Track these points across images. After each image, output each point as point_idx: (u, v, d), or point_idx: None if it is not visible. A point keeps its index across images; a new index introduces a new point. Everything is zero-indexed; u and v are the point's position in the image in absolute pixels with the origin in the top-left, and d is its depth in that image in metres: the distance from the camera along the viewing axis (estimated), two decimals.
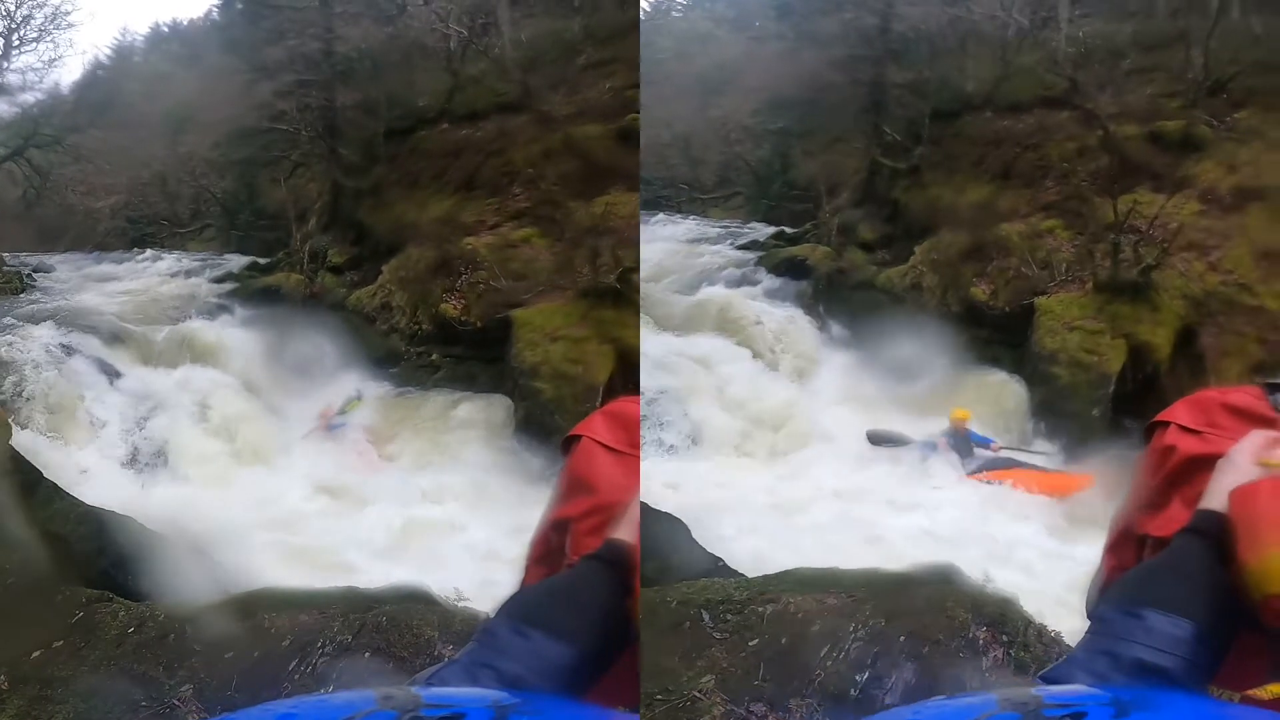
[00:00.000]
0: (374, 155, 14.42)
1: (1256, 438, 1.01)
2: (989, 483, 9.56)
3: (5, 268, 14.27)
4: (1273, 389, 1.11)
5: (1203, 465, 1.05)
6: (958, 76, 15.01)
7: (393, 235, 13.42)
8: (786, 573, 5.89)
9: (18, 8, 16.22)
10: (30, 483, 7.14)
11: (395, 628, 5.19)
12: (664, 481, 9.45)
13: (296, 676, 4.84)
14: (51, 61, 17.21)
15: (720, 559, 6.61)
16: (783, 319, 13.37)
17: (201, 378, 11.27)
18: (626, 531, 1.05)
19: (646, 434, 10.42)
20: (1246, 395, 1.12)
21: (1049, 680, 0.85)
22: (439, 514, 9.43)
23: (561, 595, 0.98)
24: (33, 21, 16.37)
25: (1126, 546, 1.16)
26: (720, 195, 20.00)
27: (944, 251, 13.09)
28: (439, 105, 14.30)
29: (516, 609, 0.95)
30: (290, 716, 0.70)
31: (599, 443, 1.23)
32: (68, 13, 16.77)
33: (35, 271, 15.07)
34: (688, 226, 17.75)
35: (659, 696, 4.59)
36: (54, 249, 17.84)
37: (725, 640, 5.07)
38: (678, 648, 4.96)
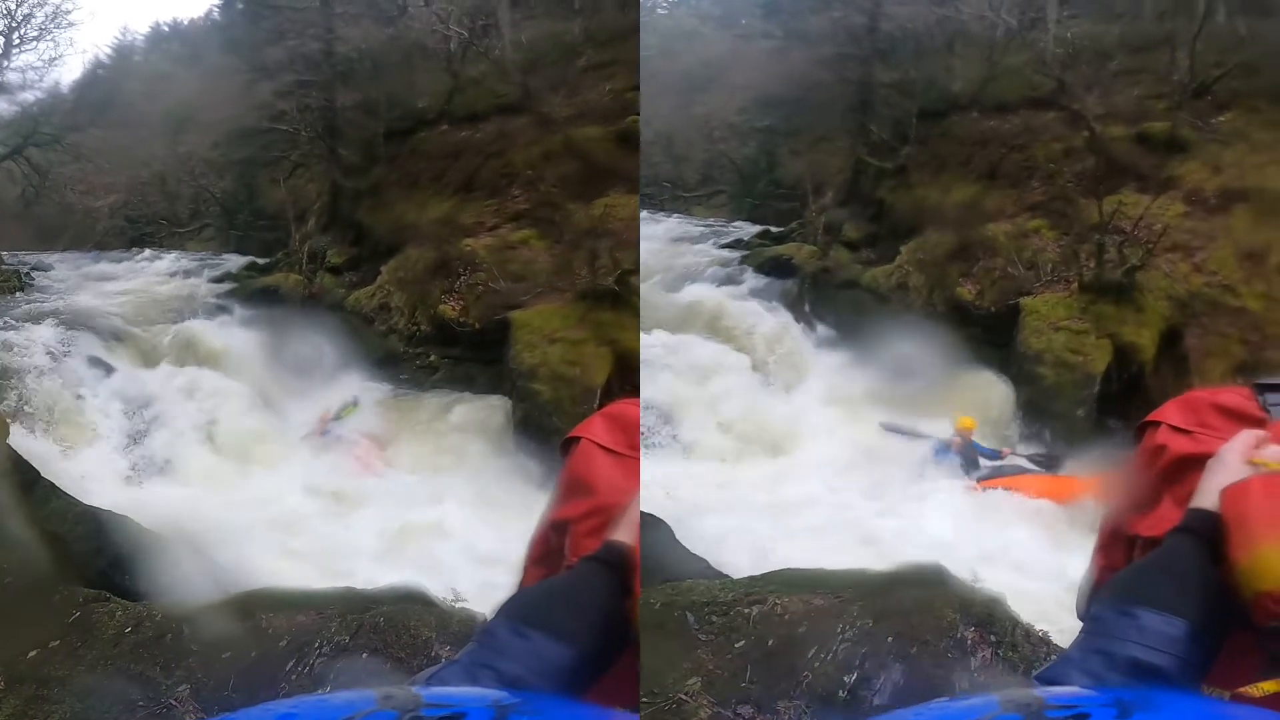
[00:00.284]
0: (374, 156, 14.42)
1: (1246, 437, 1.02)
2: (996, 489, 9.51)
3: (4, 266, 14.26)
4: (1262, 389, 1.12)
5: (1193, 465, 1.05)
6: (945, 76, 15.02)
7: (392, 236, 13.43)
8: (773, 574, 5.85)
9: (18, 6, 16.23)
10: (28, 482, 7.13)
11: (392, 628, 5.18)
12: (646, 481, 9.39)
13: (294, 677, 4.84)
14: (52, 60, 17.23)
15: (705, 560, 6.58)
16: (769, 318, 13.36)
17: (200, 378, 11.27)
18: (626, 533, 1.06)
19: None
20: (1236, 395, 1.13)
21: (1044, 680, 0.86)
22: (436, 515, 9.42)
23: (561, 596, 0.99)
24: (33, 20, 16.38)
25: (1116, 546, 1.17)
26: (704, 193, 19.98)
27: (930, 251, 13.08)
28: (439, 106, 14.31)
29: (516, 610, 0.95)
30: (290, 716, 0.70)
31: (598, 444, 1.23)
32: (68, 11, 16.79)
33: (34, 270, 15.06)
34: (670, 225, 17.71)
35: (644, 699, 4.57)
36: (53, 248, 17.84)
37: (711, 642, 5.04)
38: (663, 650, 4.94)
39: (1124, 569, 1.03)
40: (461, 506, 9.48)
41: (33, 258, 16.07)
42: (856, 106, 15.63)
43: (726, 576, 6.16)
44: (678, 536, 6.72)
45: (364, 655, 4.99)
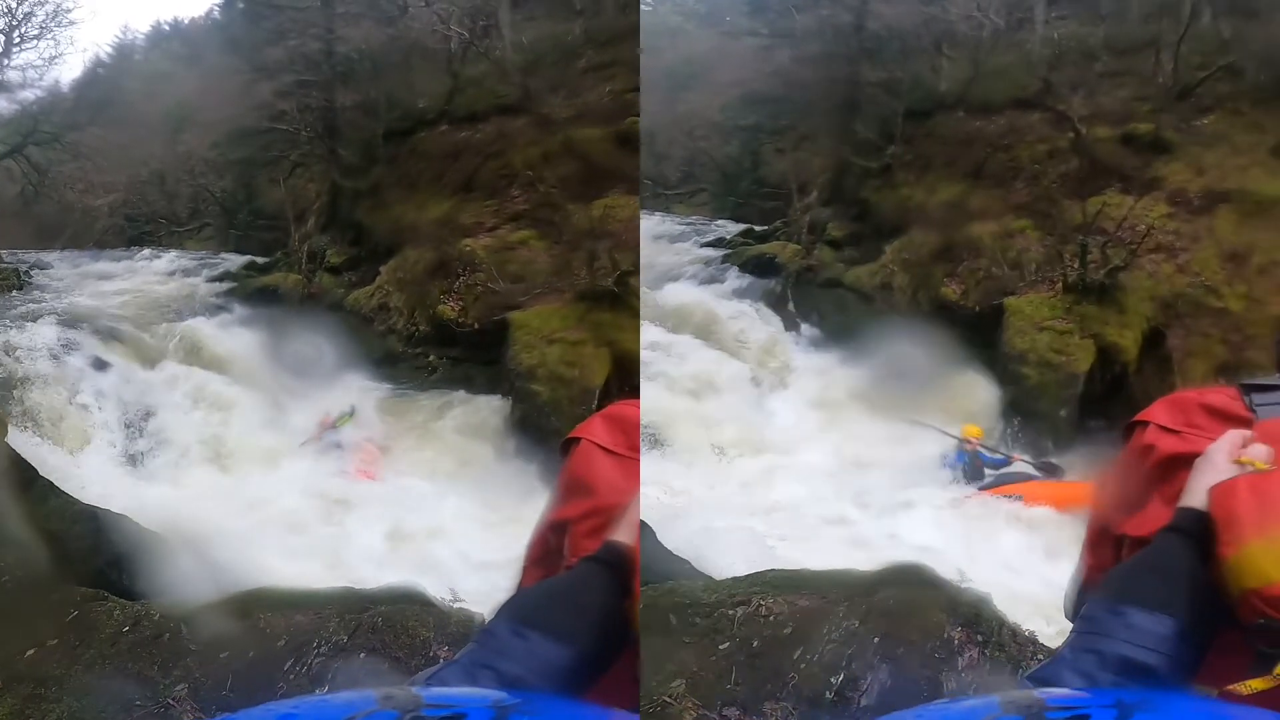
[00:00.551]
0: (373, 156, 14.42)
1: (1233, 436, 1.03)
2: (1003, 497, 9.37)
3: (3, 265, 14.25)
4: (1248, 390, 1.13)
5: (1181, 464, 1.06)
6: (931, 76, 15.02)
7: (391, 236, 13.43)
8: (758, 575, 5.79)
9: (19, 5, 16.23)
10: (26, 480, 7.13)
11: (391, 628, 5.18)
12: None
13: (292, 677, 4.83)
14: (52, 59, 17.22)
15: (688, 561, 6.53)
16: (753, 316, 13.37)
17: (198, 377, 11.26)
18: (625, 534, 1.06)
19: None
20: (1223, 396, 1.14)
21: (1037, 680, 0.87)
22: (434, 515, 9.42)
23: (561, 597, 0.99)
24: (34, 19, 16.38)
25: (1104, 546, 1.17)
26: (684, 191, 19.89)
27: (915, 251, 13.07)
28: (439, 107, 14.31)
29: (516, 610, 0.95)
30: (291, 717, 0.70)
31: (598, 445, 1.24)
32: (69, 10, 16.81)
33: (33, 269, 15.04)
34: (651, 223, 17.61)
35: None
36: (52, 246, 17.82)
37: (694, 644, 4.98)
38: (646, 652, 4.90)
39: (1114, 568, 1.04)
40: (459, 506, 9.48)
41: (32, 256, 16.05)
42: (842, 105, 15.57)
43: (710, 578, 6.12)
44: (660, 539, 6.66)
45: (362, 655, 4.98)
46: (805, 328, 13.50)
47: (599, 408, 1.34)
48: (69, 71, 21.17)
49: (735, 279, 14.60)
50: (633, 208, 11.91)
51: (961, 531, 8.69)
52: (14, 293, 13.40)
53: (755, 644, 4.97)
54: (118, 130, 19.53)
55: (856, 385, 11.71)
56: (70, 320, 11.60)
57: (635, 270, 11.13)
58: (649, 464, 10.09)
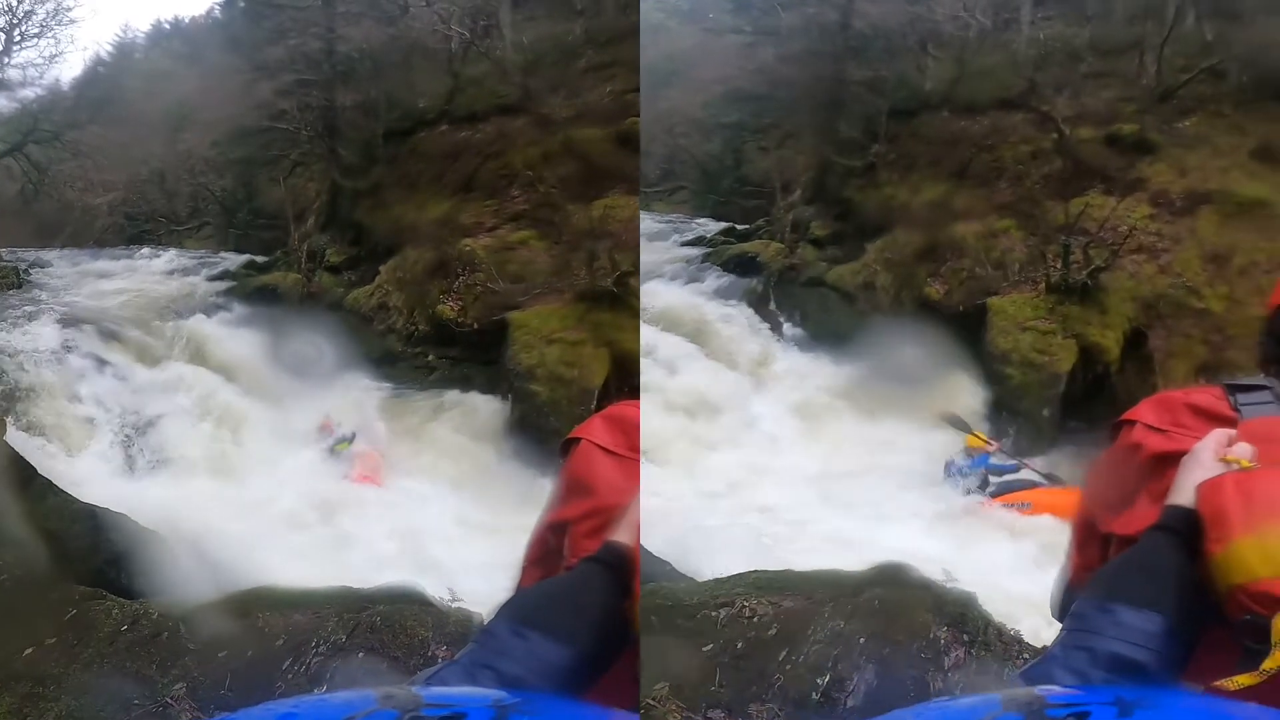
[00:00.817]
0: (373, 156, 14.43)
1: (1219, 435, 1.05)
2: (1010, 504, 9.10)
3: (2, 263, 14.24)
4: (1232, 390, 1.16)
5: (1168, 462, 1.08)
6: (916, 75, 14.99)
7: (391, 236, 13.43)
8: (740, 576, 5.72)
9: (19, 3, 16.23)
10: (24, 478, 7.12)
11: (389, 628, 5.18)
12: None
13: (290, 676, 4.83)
14: (52, 57, 17.22)
15: (668, 563, 6.49)
16: (731, 312, 13.32)
17: (198, 376, 11.26)
18: (626, 534, 1.06)
19: None
20: (1209, 395, 1.17)
21: (1028, 678, 0.88)
22: (432, 514, 9.42)
23: (561, 597, 0.99)
24: (34, 17, 16.38)
25: (1092, 545, 1.19)
26: (664, 189, 19.81)
27: (898, 250, 13.05)
28: (439, 106, 14.32)
29: (516, 610, 0.95)
30: (290, 716, 0.71)
31: (598, 445, 1.24)
32: (69, 9, 16.81)
33: (32, 267, 15.03)
34: None
35: None
36: (51, 244, 17.83)
37: (678, 646, 4.94)
38: None
39: (1103, 567, 1.05)
40: (457, 506, 9.47)
41: (31, 254, 16.04)
42: (827, 104, 15.52)
43: (692, 580, 6.06)
44: (640, 540, 6.56)
45: (361, 654, 4.98)
46: (788, 327, 13.46)
47: (598, 408, 1.34)
48: (69, 70, 21.20)
49: (716, 278, 14.54)
50: (632, 208, 11.92)
51: (959, 538, 8.58)
52: (13, 291, 13.39)
53: (740, 645, 4.91)
54: (118, 129, 19.54)
55: (840, 385, 11.67)
56: (69, 319, 11.60)
57: (635, 270, 11.13)
58: None
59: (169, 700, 4.66)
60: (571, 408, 10.08)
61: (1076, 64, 14.27)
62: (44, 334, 11.01)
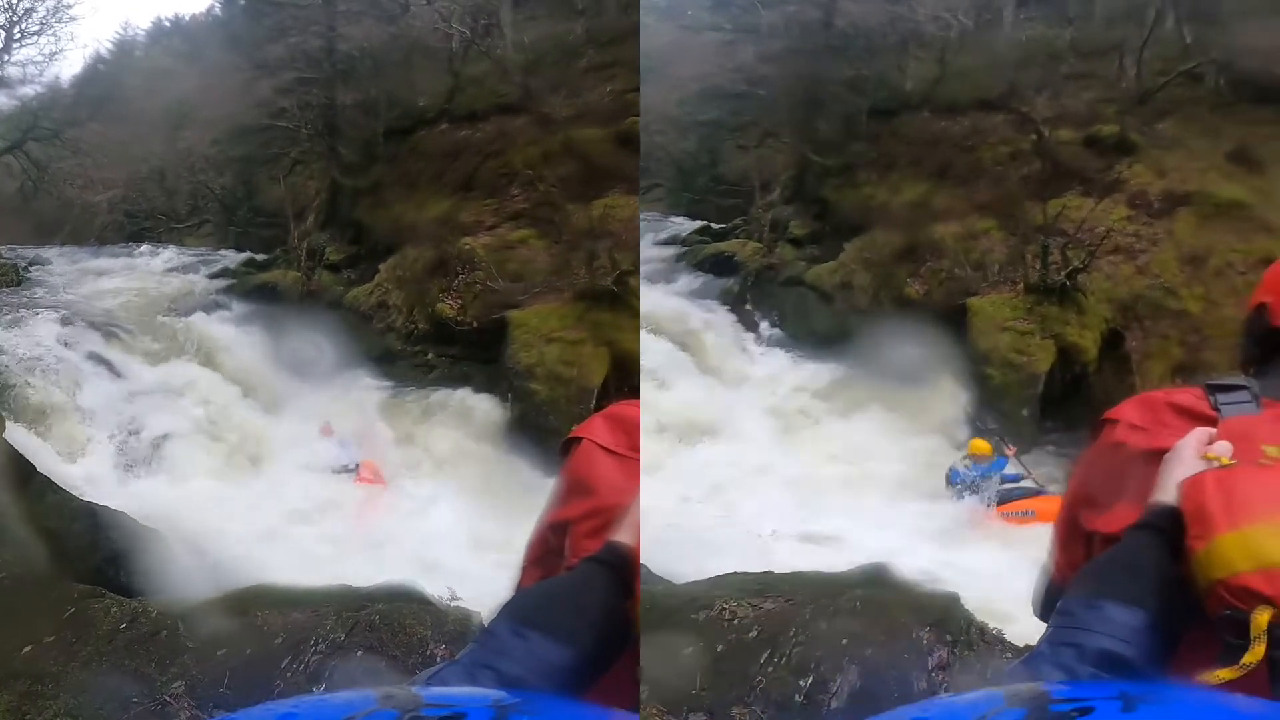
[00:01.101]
0: (373, 154, 14.43)
1: (1200, 434, 1.07)
2: (1017, 513, 8.86)
3: (2, 260, 14.23)
4: (1212, 390, 1.18)
5: (1151, 460, 1.10)
6: (897, 75, 14.96)
7: (390, 234, 13.43)
8: (720, 578, 5.66)
9: (19, 1, 16.21)
10: (23, 477, 7.12)
11: (388, 626, 5.17)
12: None
13: (289, 674, 4.82)
14: (52, 55, 17.22)
15: (646, 566, 6.42)
16: (713, 318, 13.23)
17: (197, 373, 11.25)
18: (627, 534, 1.06)
19: None
20: (1190, 395, 1.19)
21: (1015, 675, 0.88)
22: (431, 513, 9.42)
23: (562, 597, 0.99)
24: (34, 15, 16.38)
25: (1075, 543, 1.20)
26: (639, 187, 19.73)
27: (877, 250, 13.02)
28: (439, 105, 14.31)
29: (517, 610, 0.95)
30: (290, 716, 0.70)
31: (599, 445, 1.23)
32: (69, 6, 16.81)
33: (32, 265, 15.02)
34: None
35: None
36: (51, 242, 17.82)
37: (658, 649, 4.87)
38: None
39: (1088, 564, 1.06)
40: (455, 504, 9.47)
41: (31, 252, 16.04)
42: (806, 102, 15.44)
43: (670, 582, 5.99)
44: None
45: (359, 653, 4.98)
46: (765, 327, 13.39)
47: (597, 407, 1.34)
48: (69, 67, 21.22)
49: (690, 278, 14.42)
50: (632, 208, 11.92)
51: (964, 547, 8.38)
52: (12, 288, 13.38)
53: (720, 648, 4.87)
54: (118, 126, 19.54)
55: (820, 385, 11.61)
56: (69, 316, 11.58)
57: (635, 270, 11.13)
58: None
59: (168, 698, 4.66)
60: (570, 407, 10.08)
61: (1057, 65, 14.33)
62: (43, 331, 10.99)
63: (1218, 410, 1.14)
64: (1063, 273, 11.18)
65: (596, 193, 11.61)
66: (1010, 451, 9.59)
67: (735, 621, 5.01)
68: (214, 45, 21.11)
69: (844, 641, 4.76)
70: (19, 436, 8.68)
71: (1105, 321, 11.16)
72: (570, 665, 0.90)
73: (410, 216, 13.31)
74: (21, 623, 5.25)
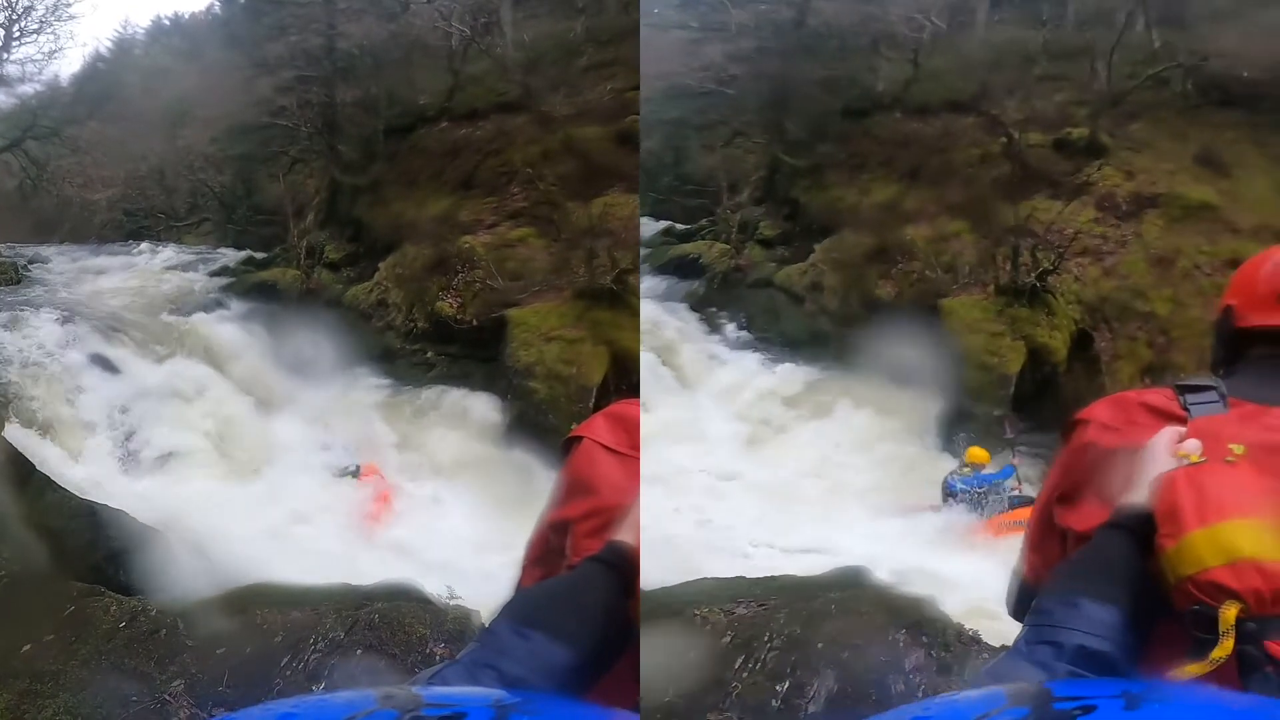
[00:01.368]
0: (373, 152, 14.41)
1: (1170, 433, 1.11)
2: (1008, 524, 8.23)
3: (1, 259, 14.22)
4: (1182, 390, 1.23)
5: (1121, 459, 1.13)
6: (869, 76, 14.87)
7: (390, 232, 13.42)
8: (689, 584, 5.56)
9: None
10: (23, 475, 7.12)
11: (387, 625, 5.17)
12: None
13: (289, 673, 4.82)
14: (51, 53, 17.18)
15: None
16: (676, 320, 13.04)
17: (196, 372, 11.23)
18: (628, 534, 1.05)
19: None
20: (1161, 395, 1.23)
21: (993, 674, 0.90)
22: (429, 511, 9.41)
23: (563, 597, 0.99)
24: (34, 13, 16.35)
25: (1050, 542, 1.23)
26: None
27: (848, 251, 12.93)
28: (439, 104, 14.31)
29: (518, 610, 0.95)
30: (291, 716, 0.70)
31: (600, 444, 1.23)
32: (69, 4, 16.76)
33: (31, 263, 15.01)
34: None
35: None
36: (50, 240, 17.80)
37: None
38: None
39: (1063, 563, 1.09)
40: (455, 503, 9.47)
41: (30, 250, 16.02)
42: (777, 102, 15.27)
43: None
44: None
45: (359, 652, 4.97)
46: (731, 329, 13.19)
47: (596, 406, 1.34)
48: (68, 66, 21.16)
49: (654, 280, 14.10)
50: (632, 206, 11.91)
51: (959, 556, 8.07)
52: (11, 286, 13.36)
53: (692, 655, 4.82)
54: (117, 125, 19.52)
55: (789, 389, 11.48)
56: (68, 314, 11.57)
57: (634, 269, 11.13)
58: None
59: (167, 697, 4.66)
60: (570, 405, 10.07)
61: (1029, 67, 14.33)
62: (42, 329, 10.97)
63: (1187, 410, 1.18)
64: (1033, 274, 11.17)
65: (596, 191, 11.60)
66: (1016, 460, 9.13)
67: (708, 627, 4.93)
68: (213, 43, 21.10)
69: (820, 646, 4.71)
70: (18, 435, 8.68)
71: (1075, 323, 11.18)
72: (571, 665, 0.90)
73: (410, 215, 13.30)
74: (21, 621, 5.26)
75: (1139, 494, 1.04)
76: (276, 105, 15.91)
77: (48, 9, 16.50)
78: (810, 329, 12.48)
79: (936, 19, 14.77)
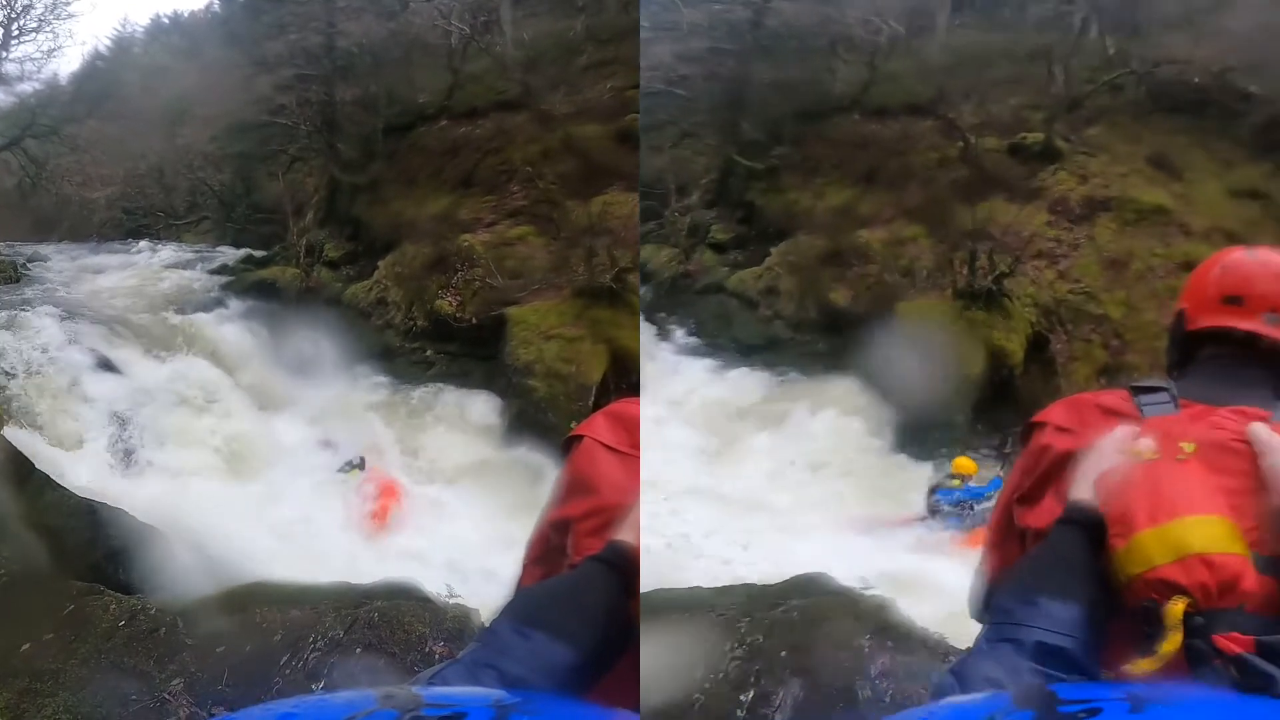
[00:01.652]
0: (372, 151, 14.41)
1: (1121, 431, 1.15)
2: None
3: (0, 257, 14.22)
4: (1137, 391, 1.27)
5: (1075, 460, 1.17)
6: (827, 78, 14.77)
7: (389, 231, 13.42)
8: (641, 596, 5.37)
9: None
10: (22, 474, 7.11)
11: (387, 624, 5.17)
12: None
13: (288, 672, 4.82)
14: (50, 52, 17.17)
15: None
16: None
17: (195, 370, 11.22)
18: (629, 533, 1.05)
19: None
20: (1115, 397, 1.28)
21: (957, 675, 0.90)
22: (429, 510, 9.40)
23: (564, 596, 0.98)
24: (33, 11, 16.33)
25: (1010, 543, 1.26)
26: None
27: (803, 255, 12.79)
28: (439, 102, 14.31)
29: (519, 610, 0.95)
30: (291, 716, 0.70)
31: (601, 443, 1.22)
32: (68, 3, 16.75)
33: (30, 261, 15.00)
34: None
35: None
36: (49, 238, 17.81)
37: None
38: None
39: (1020, 560, 1.12)
40: (454, 502, 9.46)
41: (29, 248, 16.02)
42: (730, 103, 15.05)
43: None
44: None
45: (358, 650, 4.97)
46: (680, 334, 12.98)
47: (596, 404, 1.34)
48: (67, 64, 21.22)
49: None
50: (631, 205, 11.91)
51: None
52: (10, 285, 13.36)
53: (651, 667, 4.61)
54: (116, 123, 19.52)
55: (741, 396, 11.27)
56: (67, 313, 11.56)
57: (634, 267, 11.12)
58: None
59: (166, 696, 4.66)
60: (569, 404, 10.07)
61: (987, 71, 14.35)
62: (41, 328, 10.97)
63: (1141, 411, 1.23)
64: (989, 278, 11.14)
65: (596, 190, 11.61)
66: (1003, 473, 8.76)
67: (665, 638, 4.71)
68: (213, 42, 21.10)
69: (783, 654, 4.64)
70: (17, 433, 8.67)
71: (1030, 325, 11.19)
72: (572, 665, 0.90)
73: (409, 213, 13.30)
74: (20, 620, 5.25)
75: (1084, 490, 1.08)
76: (276, 104, 15.92)
77: (47, 7, 16.50)
78: (764, 334, 12.35)
79: (895, 22, 14.72)
